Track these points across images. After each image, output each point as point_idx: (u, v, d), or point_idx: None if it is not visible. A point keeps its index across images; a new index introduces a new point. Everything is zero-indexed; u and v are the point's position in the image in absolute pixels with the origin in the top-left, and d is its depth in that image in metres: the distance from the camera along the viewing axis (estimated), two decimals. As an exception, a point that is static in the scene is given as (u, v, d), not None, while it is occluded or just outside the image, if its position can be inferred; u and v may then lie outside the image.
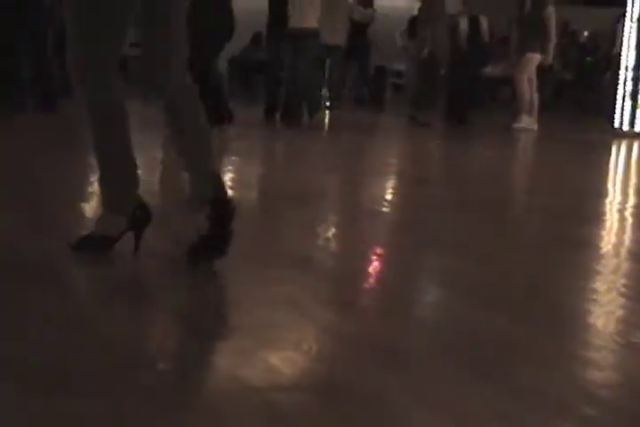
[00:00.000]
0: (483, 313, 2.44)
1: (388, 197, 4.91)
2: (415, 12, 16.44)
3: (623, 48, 10.56)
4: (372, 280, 2.92)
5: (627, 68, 10.40)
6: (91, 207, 3.67)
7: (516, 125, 9.98)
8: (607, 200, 5.16)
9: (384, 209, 4.34)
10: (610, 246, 3.69)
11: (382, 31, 15.95)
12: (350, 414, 1.68)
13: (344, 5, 11.75)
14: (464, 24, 10.42)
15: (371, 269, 3.06)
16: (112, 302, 2.33)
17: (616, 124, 10.49)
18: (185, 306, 2.33)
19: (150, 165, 4.99)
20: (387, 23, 15.96)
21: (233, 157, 6.05)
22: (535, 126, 10.04)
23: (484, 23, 10.87)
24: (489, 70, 12.91)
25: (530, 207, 4.86)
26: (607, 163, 7.93)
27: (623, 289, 2.85)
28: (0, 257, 2.69)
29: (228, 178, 4.62)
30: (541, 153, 8.73)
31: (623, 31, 10.67)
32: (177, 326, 2.17)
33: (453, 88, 10.44)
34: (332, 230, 3.78)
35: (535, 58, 10.11)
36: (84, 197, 4.04)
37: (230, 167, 5.39)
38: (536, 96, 10.20)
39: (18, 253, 2.75)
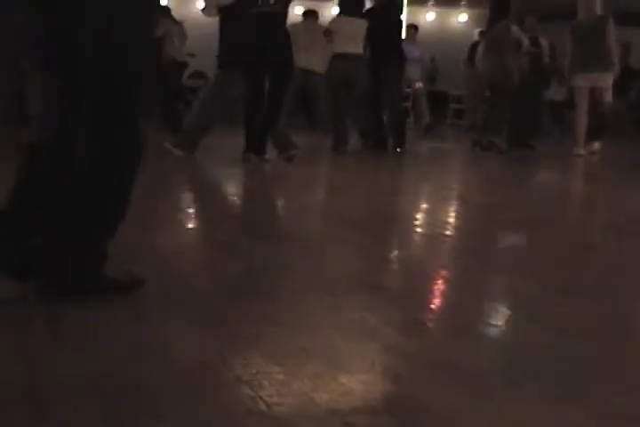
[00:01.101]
0: (555, 335, 2.44)
1: (452, 220, 4.92)
2: (475, 38, 16.63)
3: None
4: (441, 302, 2.92)
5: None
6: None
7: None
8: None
9: (448, 233, 4.35)
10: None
11: (442, 57, 16.03)
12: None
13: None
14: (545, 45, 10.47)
15: (439, 292, 3.07)
16: (186, 329, 2.37)
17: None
18: (258, 331, 2.36)
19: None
20: (445, 49, 16.03)
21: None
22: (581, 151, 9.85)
23: (544, 43, 10.85)
24: (551, 93, 12.82)
25: (601, 227, 4.84)
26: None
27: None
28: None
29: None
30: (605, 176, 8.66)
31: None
32: (252, 351, 2.20)
33: (518, 112, 10.38)
34: (397, 253, 3.81)
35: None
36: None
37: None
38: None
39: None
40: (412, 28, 14.60)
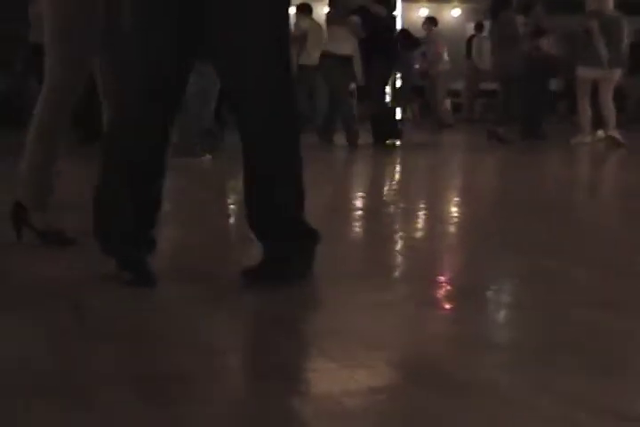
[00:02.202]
0: (586, 310, 2.43)
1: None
2: (470, 33, 16.65)
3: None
4: (460, 280, 2.90)
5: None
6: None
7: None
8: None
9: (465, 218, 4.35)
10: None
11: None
12: (468, 404, 1.68)
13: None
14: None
15: (458, 270, 3.06)
16: (228, 330, 2.36)
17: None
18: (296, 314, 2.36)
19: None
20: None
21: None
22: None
23: (552, 36, 10.87)
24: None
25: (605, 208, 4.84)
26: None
27: None
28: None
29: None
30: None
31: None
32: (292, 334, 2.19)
33: (530, 104, 10.42)
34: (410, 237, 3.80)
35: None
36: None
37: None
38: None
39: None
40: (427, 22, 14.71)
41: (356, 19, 9.25)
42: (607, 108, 9.72)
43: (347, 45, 9.24)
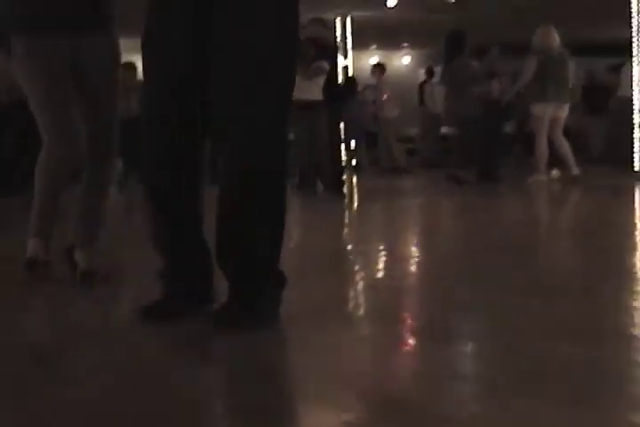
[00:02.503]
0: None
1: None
2: (421, 79, 16.86)
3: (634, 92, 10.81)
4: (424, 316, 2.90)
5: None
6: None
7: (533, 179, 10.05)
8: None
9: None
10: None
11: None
12: None
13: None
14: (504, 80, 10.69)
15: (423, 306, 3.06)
16: (200, 375, 2.33)
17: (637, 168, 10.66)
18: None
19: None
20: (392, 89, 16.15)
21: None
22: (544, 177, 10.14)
23: (504, 79, 11.03)
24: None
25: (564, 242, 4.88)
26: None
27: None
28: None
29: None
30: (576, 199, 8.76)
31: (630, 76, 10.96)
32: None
33: (485, 147, 10.55)
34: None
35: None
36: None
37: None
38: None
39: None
40: (376, 68, 14.89)
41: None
42: (562, 146, 9.91)
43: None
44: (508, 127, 13.95)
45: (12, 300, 3.37)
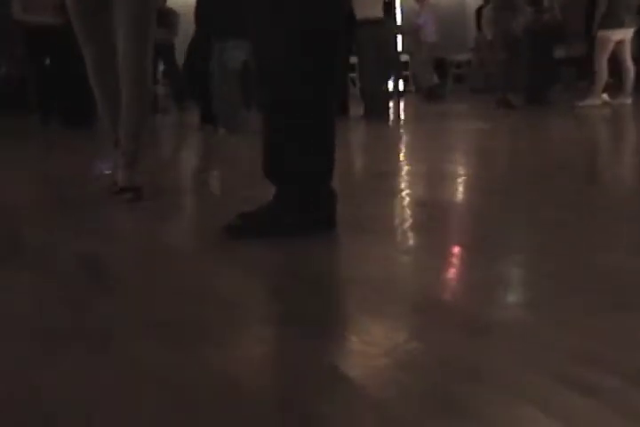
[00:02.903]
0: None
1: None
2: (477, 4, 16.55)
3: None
4: (470, 236, 2.88)
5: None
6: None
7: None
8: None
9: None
10: None
11: (440, 23, 15.93)
12: (496, 344, 1.65)
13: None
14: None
15: (469, 226, 3.03)
16: (243, 282, 2.33)
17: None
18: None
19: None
20: (440, 15, 15.93)
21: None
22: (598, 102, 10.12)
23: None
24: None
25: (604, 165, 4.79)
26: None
27: None
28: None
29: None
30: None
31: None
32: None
33: (535, 69, 10.43)
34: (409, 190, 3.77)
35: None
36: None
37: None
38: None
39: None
40: None
41: None
42: (629, 71, 10.00)
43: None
44: (558, 51, 13.69)
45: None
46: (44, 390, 1.47)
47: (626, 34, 10.13)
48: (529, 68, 10.36)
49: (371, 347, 1.64)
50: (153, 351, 1.65)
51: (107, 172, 4.17)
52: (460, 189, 4.00)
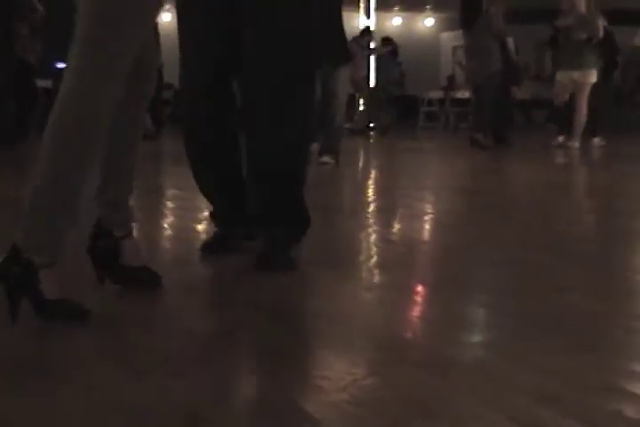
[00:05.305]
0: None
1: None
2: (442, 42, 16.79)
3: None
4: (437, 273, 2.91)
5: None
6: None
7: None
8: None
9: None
10: None
11: (411, 60, 16.10)
12: (456, 382, 1.67)
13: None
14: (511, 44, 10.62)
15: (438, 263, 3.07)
16: (214, 316, 2.34)
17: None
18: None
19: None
20: (413, 54, 16.11)
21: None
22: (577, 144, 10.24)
23: (511, 43, 10.93)
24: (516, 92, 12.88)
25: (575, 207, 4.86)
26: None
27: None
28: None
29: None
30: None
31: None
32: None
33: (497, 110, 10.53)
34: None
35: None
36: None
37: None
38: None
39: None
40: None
41: None
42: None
43: None
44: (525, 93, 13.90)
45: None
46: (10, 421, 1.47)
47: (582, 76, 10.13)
48: (492, 109, 10.46)
49: (330, 382, 1.66)
50: (115, 380, 1.65)
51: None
52: (427, 226, 4.04)
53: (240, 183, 2.96)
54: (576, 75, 10.05)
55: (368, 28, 14.91)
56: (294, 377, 1.70)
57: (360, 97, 15.01)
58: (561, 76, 10.22)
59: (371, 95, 14.88)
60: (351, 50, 9.39)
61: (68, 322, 2.05)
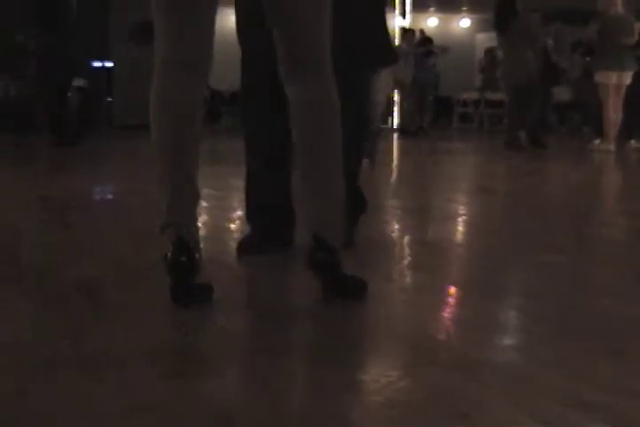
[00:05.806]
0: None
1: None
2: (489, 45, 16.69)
3: None
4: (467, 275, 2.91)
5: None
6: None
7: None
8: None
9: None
10: None
11: (446, 61, 16.04)
12: (486, 383, 1.68)
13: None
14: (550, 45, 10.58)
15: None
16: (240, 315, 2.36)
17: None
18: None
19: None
20: (448, 54, 16.03)
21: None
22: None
23: (551, 45, 10.89)
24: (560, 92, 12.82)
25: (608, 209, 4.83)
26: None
27: None
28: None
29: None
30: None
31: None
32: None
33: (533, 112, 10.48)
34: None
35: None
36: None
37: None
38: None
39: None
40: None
41: None
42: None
43: None
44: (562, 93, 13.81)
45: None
46: (45, 419, 1.49)
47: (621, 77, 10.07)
48: (531, 110, 10.41)
49: (365, 384, 1.67)
50: (147, 380, 1.67)
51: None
52: (461, 228, 4.04)
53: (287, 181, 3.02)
54: (616, 76, 9.97)
55: (412, 29, 14.97)
56: (329, 380, 1.71)
57: (404, 98, 15.00)
58: (601, 77, 10.13)
59: (416, 96, 14.85)
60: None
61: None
